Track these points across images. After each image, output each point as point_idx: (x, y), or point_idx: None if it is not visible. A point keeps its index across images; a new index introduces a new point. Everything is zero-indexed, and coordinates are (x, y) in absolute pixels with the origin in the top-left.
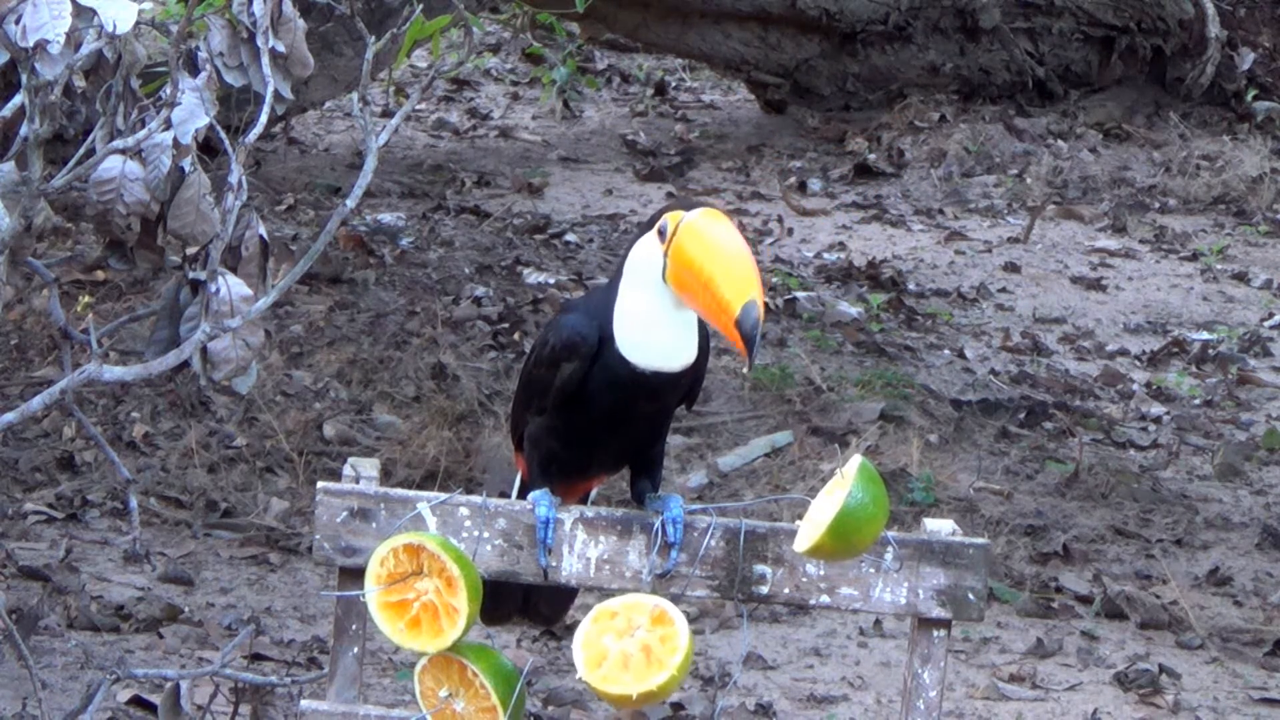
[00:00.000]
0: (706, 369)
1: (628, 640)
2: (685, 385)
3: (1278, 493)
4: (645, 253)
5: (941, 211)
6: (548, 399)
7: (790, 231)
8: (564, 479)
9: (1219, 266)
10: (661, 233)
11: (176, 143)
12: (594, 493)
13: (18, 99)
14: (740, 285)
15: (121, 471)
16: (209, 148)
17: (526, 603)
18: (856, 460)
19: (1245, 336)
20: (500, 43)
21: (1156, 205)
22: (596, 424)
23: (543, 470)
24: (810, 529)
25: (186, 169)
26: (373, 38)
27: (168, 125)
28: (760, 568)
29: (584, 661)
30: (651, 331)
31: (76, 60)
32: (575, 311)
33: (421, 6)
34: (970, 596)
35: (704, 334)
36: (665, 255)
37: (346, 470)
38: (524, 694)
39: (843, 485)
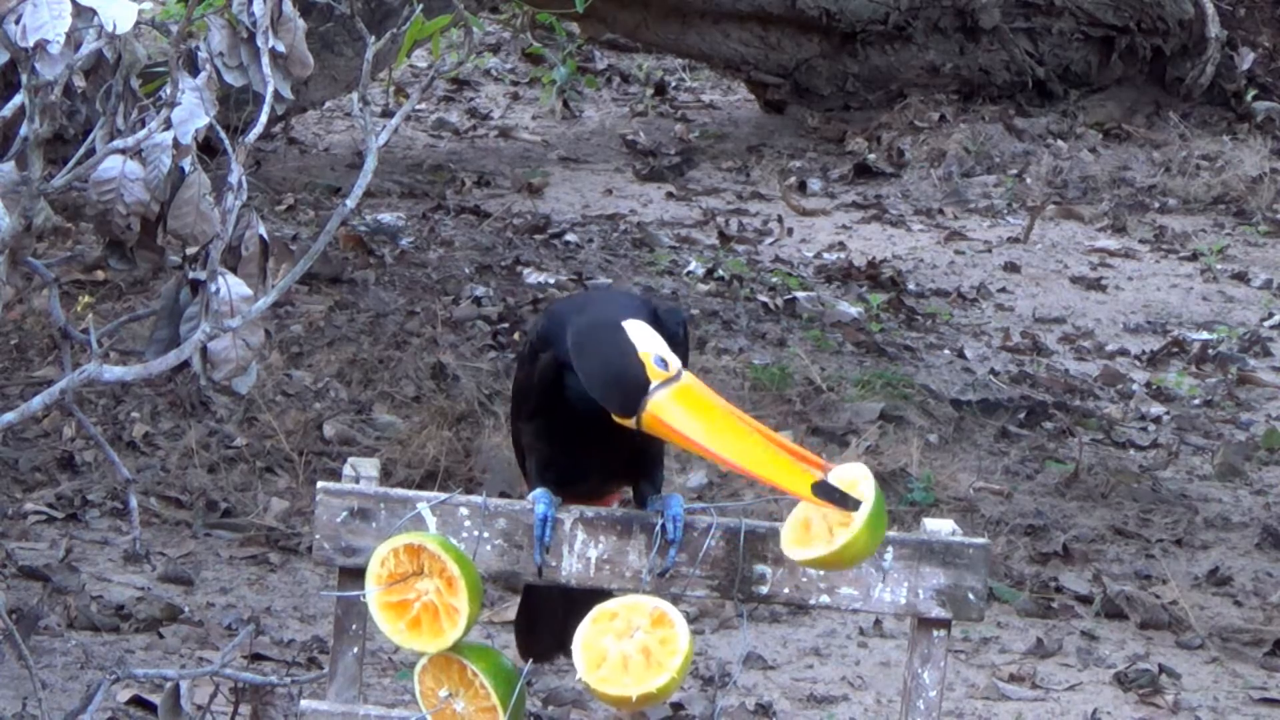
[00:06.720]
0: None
1: (627, 642)
2: None
3: (1278, 493)
4: None
5: (941, 211)
6: (533, 396)
7: (790, 231)
8: (562, 487)
9: (1219, 266)
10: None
11: (176, 143)
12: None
13: (18, 99)
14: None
15: (121, 471)
16: (209, 148)
17: (565, 636)
18: (868, 478)
19: (1245, 336)
20: (500, 43)
21: (1156, 205)
22: (578, 420)
23: (540, 477)
24: (819, 538)
25: (186, 169)
26: (373, 38)
27: (168, 125)
28: (760, 567)
29: (583, 662)
30: None
31: (76, 60)
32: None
33: (421, 6)
34: (970, 596)
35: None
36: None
37: (346, 470)
38: (524, 694)
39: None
